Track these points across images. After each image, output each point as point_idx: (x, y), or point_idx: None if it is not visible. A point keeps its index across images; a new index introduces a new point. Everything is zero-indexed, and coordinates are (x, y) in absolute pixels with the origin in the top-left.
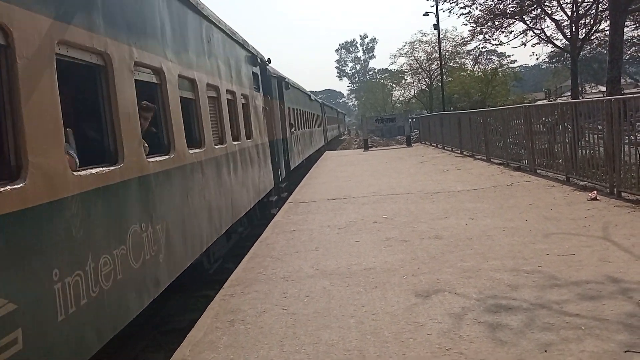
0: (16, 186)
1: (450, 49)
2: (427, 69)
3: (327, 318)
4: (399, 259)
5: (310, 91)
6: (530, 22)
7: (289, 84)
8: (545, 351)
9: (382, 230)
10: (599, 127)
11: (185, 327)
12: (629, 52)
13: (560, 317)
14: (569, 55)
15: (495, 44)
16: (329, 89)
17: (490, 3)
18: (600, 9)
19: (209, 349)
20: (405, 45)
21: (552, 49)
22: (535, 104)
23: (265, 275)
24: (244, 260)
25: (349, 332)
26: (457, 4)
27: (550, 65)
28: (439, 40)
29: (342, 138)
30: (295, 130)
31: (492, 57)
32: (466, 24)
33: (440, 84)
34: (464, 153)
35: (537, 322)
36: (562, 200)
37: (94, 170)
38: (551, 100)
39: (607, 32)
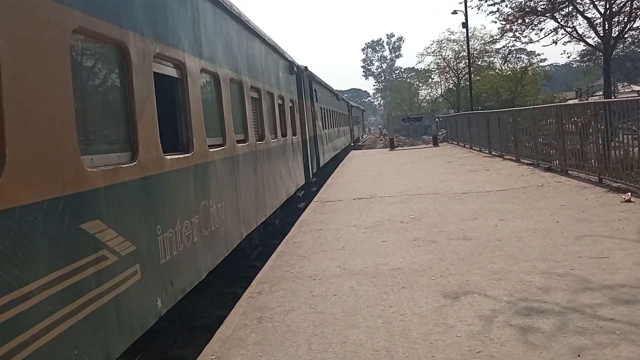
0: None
1: (478, 48)
2: (455, 67)
3: (355, 317)
4: (427, 260)
5: (337, 90)
6: (561, 19)
7: None
8: (579, 355)
9: (409, 231)
10: (633, 127)
11: (213, 323)
12: None
13: (593, 321)
14: (601, 53)
15: (525, 42)
16: (355, 88)
17: (520, 0)
18: (634, 6)
19: (238, 346)
20: (432, 44)
21: (584, 48)
22: (567, 103)
23: (292, 273)
24: (271, 258)
25: (377, 332)
26: (486, 1)
27: (582, 64)
28: (467, 39)
29: (361, 143)
30: None
31: (522, 55)
32: (495, 22)
33: (468, 83)
34: (493, 153)
35: (570, 326)
36: (595, 202)
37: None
38: (582, 100)
39: None
